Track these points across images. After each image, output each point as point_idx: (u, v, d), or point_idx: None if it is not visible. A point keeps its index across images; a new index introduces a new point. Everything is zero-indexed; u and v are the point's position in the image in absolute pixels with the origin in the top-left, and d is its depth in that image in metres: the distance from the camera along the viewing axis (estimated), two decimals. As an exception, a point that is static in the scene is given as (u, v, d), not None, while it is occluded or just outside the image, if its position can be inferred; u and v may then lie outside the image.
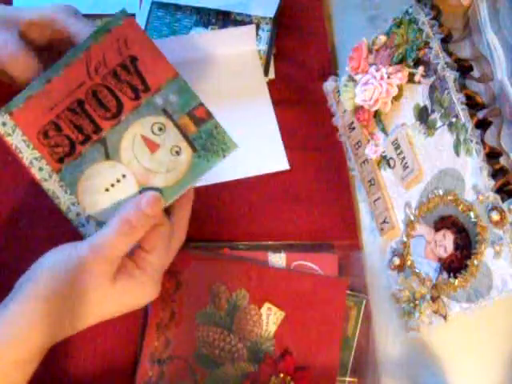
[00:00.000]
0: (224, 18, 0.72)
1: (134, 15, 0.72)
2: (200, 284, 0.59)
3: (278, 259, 0.62)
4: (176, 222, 0.54)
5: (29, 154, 0.53)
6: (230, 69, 0.70)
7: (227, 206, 0.65)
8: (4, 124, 0.53)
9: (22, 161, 0.53)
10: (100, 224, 0.52)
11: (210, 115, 0.52)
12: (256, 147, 0.66)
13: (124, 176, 0.53)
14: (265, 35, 0.71)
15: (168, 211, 0.54)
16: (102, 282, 0.50)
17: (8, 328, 0.48)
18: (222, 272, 0.60)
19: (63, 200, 0.53)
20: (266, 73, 0.70)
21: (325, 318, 0.59)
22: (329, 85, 0.69)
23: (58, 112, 0.53)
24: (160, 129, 0.52)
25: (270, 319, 0.59)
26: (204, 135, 0.52)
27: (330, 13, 0.75)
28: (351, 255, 0.63)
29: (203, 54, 0.70)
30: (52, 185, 0.53)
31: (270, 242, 0.63)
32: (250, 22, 0.71)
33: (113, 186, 0.53)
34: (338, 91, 0.66)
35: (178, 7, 0.72)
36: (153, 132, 0.52)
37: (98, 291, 0.50)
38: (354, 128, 0.66)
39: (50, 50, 0.58)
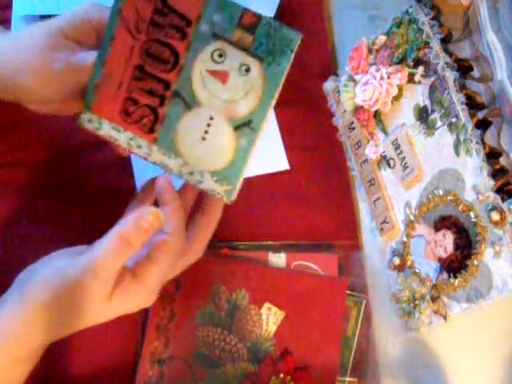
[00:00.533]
0: (224, 18, 0.71)
1: None
2: (200, 284, 0.59)
3: (277, 259, 0.62)
4: (197, 235, 0.54)
5: (123, 138, 0.53)
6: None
7: (227, 205, 0.65)
8: (90, 120, 0.53)
9: (120, 147, 0.53)
10: (215, 174, 0.52)
11: (258, 16, 0.49)
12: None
13: (212, 118, 0.51)
14: (265, 35, 0.71)
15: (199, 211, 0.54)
16: (99, 302, 0.49)
17: (5, 327, 0.48)
18: (222, 272, 0.60)
19: (172, 166, 0.52)
20: (266, 73, 0.70)
21: (325, 318, 0.59)
22: (329, 85, 0.69)
23: (126, 87, 0.52)
24: (220, 55, 0.50)
25: (270, 319, 0.59)
26: (263, 40, 0.49)
27: (329, 13, 0.75)
28: (351, 255, 0.63)
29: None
30: (156, 156, 0.52)
31: (270, 242, 0.63)
32: (250, 22, 0.71)
33: (206, 132, 0.51)
34: (338, 91, 0.66)
35: (178, 7, 0.72)
36: (215, 61, 0.50)
37: (93, 308, 0.50)
38: (354, 128, 0.66)
39: None
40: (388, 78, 0.59)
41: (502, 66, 0.55)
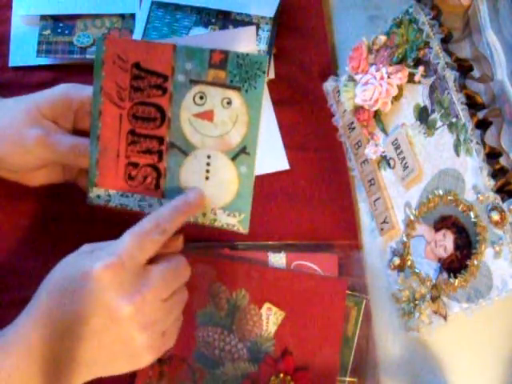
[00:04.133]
0: (224, 18, 0.72)
1: (133, 15, 0.73)
2: (200, 284, 0.59)
3: (277, 259, 0.62)
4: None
5: (134, 202, 0.55)
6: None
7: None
8: (99, 196, 0.55)
9: (132, 211, 0.55)
10: (226, 208, 0.54)
11: (225, 52, 0.52)
12: (256, 147, 0.66)
13: (209, 156, 0.53)
14: (265, 35, 0.71)
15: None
16: (113, 292, 0.47)
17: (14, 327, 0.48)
18: (222, 272, 0.60)
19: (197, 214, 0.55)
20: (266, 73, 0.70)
21: (325, 318, 0.59)
22: (329, 85, 0.69)
23: (124, 154, 0.54)
24: (201, 97, 0.52)
25: (270, 319, 0.59)
26: (235, 71, 0.52)
27: (330, 13, 0.75)
28: (351, 255, 0.62)
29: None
30: None
31: (270, 242, 0.63)
32: (250, 22, 0.71)
33: (208, 171, 0.54)
34: (338, 91, 0.66)
35: (177, 7, 0.72)
36: (198, 104, 0.53)
37: (99, 300, 0.47)
38: (354, 128, 0.66)
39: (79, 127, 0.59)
40: (388, 77, 0.59)
41: (502, 66, 0.55)
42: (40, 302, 0.48)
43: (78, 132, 0.58)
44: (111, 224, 0.60)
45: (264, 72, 0.51)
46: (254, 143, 0.52)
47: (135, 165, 0.54)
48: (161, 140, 0.54)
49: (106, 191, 0.55)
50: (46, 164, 0.57)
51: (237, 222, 0.54)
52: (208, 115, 0.53)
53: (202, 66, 0.52)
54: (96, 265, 0.47)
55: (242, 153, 0.53)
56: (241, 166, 0.53)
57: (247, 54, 0.51)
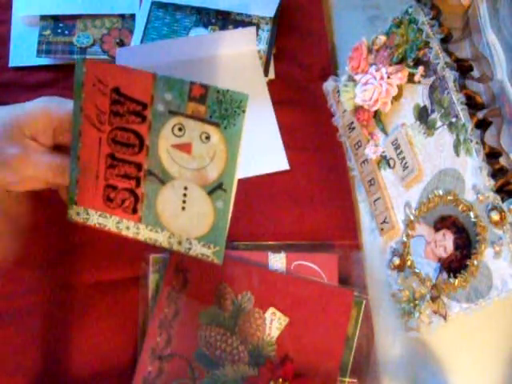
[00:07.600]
0: (224, 18, 0.72)
1: (133, 15, 0.73)
2: (207, 283, 0.59)
3: (278, 259, 0.62)
4: None
5: (111, 223, 0.56)
6: (231, 69, 0.70)
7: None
8: (78, 213, 0.56)
9: (110, 232, 0.56)
10: (201, 239, 0.54)
11: (205, 87, 0.51)
12: (256, 147, 0.66)
13: (186, 188, 0.53)
14: (265, 35, 0.71)
15: None
16: None
17: None
18: (228, 273, 0.59)
19: (161, 239, 0.55)
20: (266, 73, 0.70)
21: (328, 328, 0.58)
22: (329, 85, 0.69)
23: (103, 176, 0.55)
24: (180, 129, 0.52)
25: (273, 324, 0.59)
26: (215, 107, 0.51)
27: (330, 13, 0.75)
28: (351, 255, 0.62)
29: (204, 55, 0.70)
30: (145, 234, 0.55)
31: (270, 242, 0.63)
32: (250, 22, 0.71)
33: (184, 202, 0.53)
34: (338, 91, 0.66)
35: (177, 7, 0.72)
36: (176, 135, 0.52)
37: None
38: (354, 128, 0.66)
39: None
40: (388, 77, 0.59)
41: (501, 66, 0.55)
42: None
43: (58, 146, 0.57)
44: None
45: (244, 111, 0.50)
46: (231, 180, 0.52)
47: (114, 187, 0.55)
48: (139, 166, 0.54)
49: (85, 210, 0.56)
50: (27, 180, 0.56)
51: (211, 253, 0.54)
52: (186, 147, 0.52)
53: (181, 98, 0.51)
54: None
55: (218, 188, 0.52)
56: (217, 201, 0.53)
57: (227, 91, 0.50)
